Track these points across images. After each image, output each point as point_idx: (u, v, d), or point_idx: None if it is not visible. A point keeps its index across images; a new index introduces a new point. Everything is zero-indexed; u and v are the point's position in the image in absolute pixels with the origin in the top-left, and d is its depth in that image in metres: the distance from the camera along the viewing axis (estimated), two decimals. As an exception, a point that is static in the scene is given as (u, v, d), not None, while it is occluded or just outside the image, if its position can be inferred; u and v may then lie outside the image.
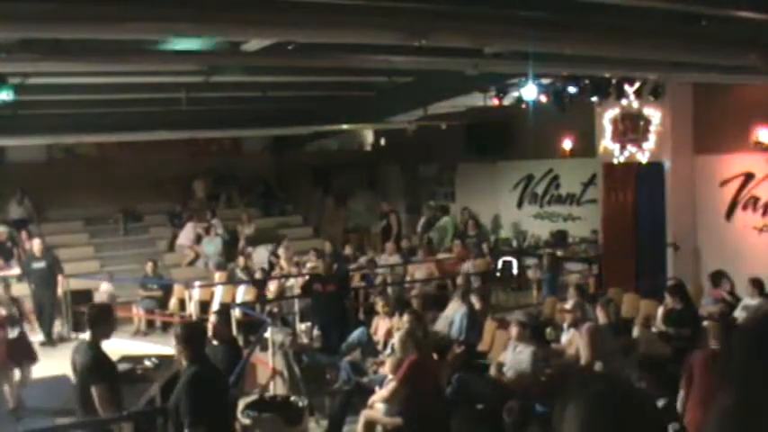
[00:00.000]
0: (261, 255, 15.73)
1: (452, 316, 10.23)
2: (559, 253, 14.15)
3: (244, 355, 7.82)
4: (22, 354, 9.44)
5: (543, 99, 11.42)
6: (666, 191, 12.33)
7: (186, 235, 16.64)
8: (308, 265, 14.11)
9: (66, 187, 16.73)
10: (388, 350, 8.66)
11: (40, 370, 9.81)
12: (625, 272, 12.64)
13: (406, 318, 8.55)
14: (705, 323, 8.83)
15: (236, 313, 10.97)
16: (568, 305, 9.10)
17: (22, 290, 12.58)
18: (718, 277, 10.41)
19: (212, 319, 7.44)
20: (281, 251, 15.06)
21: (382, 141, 20.47)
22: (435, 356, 8.15)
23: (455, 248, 15.11)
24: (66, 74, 9.57)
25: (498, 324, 9.70)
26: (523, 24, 6.52)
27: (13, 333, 9.41)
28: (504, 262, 14.93)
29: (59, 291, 12.91)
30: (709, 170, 12.17)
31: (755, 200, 11.72)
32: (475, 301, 10.34)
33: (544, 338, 9.10)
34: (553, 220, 15.88)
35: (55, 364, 9.50)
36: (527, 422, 5.39)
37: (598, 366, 7.86)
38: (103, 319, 6.06)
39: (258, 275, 13.62)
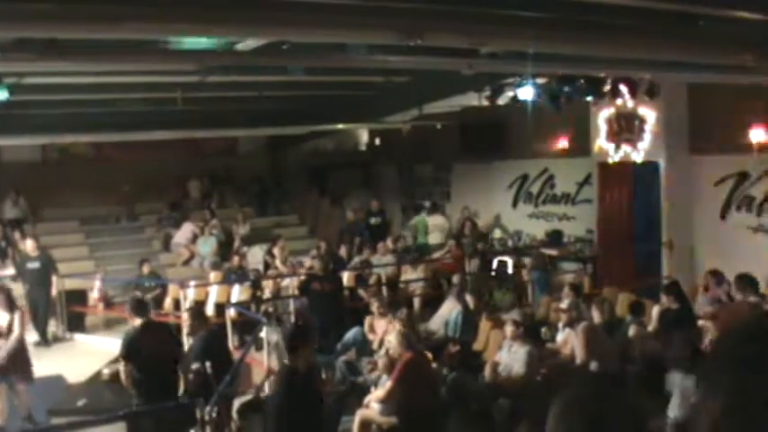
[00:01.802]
0: (256, 254, 15.70)
1: (447, 315, 10.24)
2: (553, 252, 14.14)
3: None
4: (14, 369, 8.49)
5: (538, 99, 11.42)
6: (661, 190, 12.35)
7: (183, 234, 16.60)
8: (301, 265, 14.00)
9: (61, 187, 16.69)
10: (383, 350, 8.67)
11: (35, 370, 9.66)
12: (620, 271, 12.65)
13: (398, 317, 8.56)
14: (701, 322, 8.85)
15: (231, 313, 10.96)
16: (564, 305, 9.12)
17: (16, 290, 12.49)
18: (721, 276, 10.36)
19: (185, 317, 7.85)
20: (276, 251, 15.04)
21: (377, 141, 20.47)
22: (430, 356, 8.18)
23: (450, 248, 15.11)
24: (61, 73, 9.54)
25: (493, 323, 9.70)
26: (519, 24, 6.53)
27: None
28: (500, 262, 14.91)
29: (54, 291, 12.86)
30: (704, 170, 12.18)
31: (750, 199, 11.75)
32: (470, 300, 10.35)
33: (539, 338, 9.12)
34: (548, 220, 15.86)
35: (49, 364, 9.47)
36: (517, 421, 5.41)
37: (593, 366, 7.87)
38: None
39: (252, 276, 13.59)
